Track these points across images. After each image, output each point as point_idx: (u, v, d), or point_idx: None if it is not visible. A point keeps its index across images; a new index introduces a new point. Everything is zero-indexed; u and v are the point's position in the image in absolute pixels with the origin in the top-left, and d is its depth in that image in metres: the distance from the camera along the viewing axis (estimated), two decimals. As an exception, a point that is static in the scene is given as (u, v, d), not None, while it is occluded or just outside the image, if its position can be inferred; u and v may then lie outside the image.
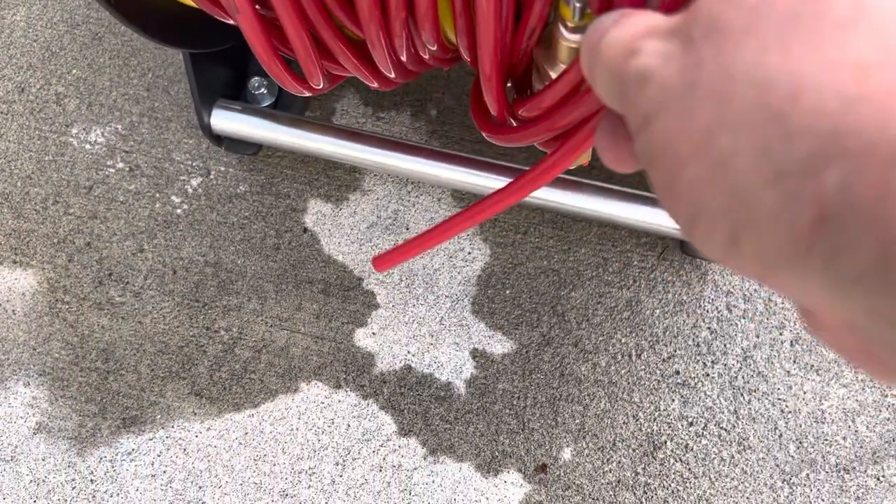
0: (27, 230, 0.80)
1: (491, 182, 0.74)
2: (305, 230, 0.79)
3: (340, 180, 0.80)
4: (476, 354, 0.75)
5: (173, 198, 0.81)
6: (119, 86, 0.85)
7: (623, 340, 0.74)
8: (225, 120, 0.75)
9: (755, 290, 0.74)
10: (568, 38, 0.44)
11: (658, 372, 0.73)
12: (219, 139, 0.78)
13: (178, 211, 0.81)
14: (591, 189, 0.72)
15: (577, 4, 0.41)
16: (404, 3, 0.47)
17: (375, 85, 0.64)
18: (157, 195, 0.81)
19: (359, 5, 0.46)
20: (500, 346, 0.75)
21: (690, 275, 0.75)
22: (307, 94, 0.58)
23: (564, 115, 0.44)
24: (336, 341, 0.75)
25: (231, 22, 0.50)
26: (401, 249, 0.57)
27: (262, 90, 0.78)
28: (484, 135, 0.54)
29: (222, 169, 0.81)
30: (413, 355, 0.75)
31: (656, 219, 0.71)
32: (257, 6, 0.48)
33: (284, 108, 0.80)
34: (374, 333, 0.76)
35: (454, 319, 0.76)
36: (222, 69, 0.76)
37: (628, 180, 0.79)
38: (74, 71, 0.86)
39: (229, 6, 0.46)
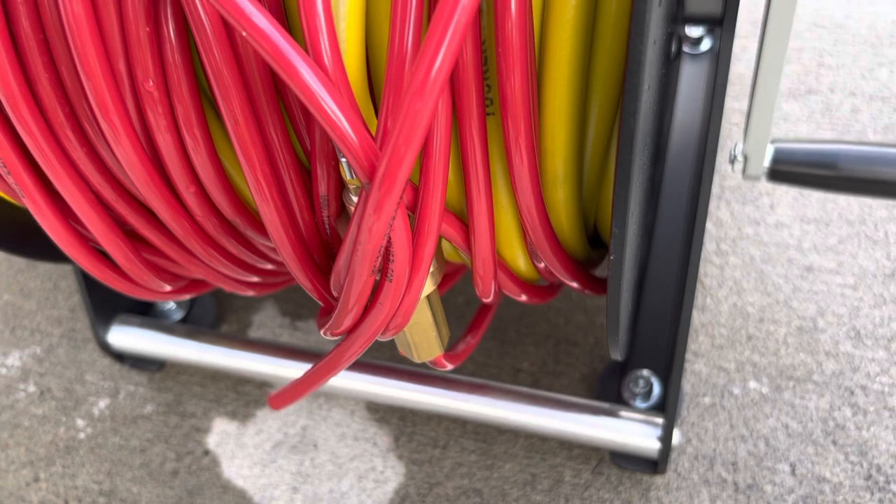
0: (-74, 461, 0.76)
1: (407, 393, 0.68)
2: (207, 452, 0.72)
3: (249, 396, 0.75)
4: None
5: (78, 421, 0.76)
6: (45, 308, 0.84)
7: (553, 574, 0.62)
8: (124, 336, 0.72)
9: (704, 507, 0.63)
10: (353, 202, 0.40)
11: None
12: (122, 356, 0.74)
13: (81, 435, 0.75)
14: (515, 396, 0.65)
15: (343, 159, 0.37)
16: (208, 206, 0.44)
17: (250, 292, 0.60)
18: (63, 419, 0.77)
19: (163, 217, 0.43)
20: (411, 584, 0.64)
21: (630, 491, 0.65)
22: (149, 298, 0.55)
23: (356, 274, 0.39)
24: (225, 582, 0.66)
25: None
26: (297, 385, 0.50)
27: (171, 304, 0.76)
28: (320, 331, 0.49)
29: (132, 388, 0.77)
30: None
31: (587, 429, 0.63)
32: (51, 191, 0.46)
33: (196, 323, 0.77)
34: (268, 571, 0.66)
35: (360, 552, 0.66)
36: (127, 284, 0.74)
37: (557, 386, 0.71)
38: (6, 296, 0.86)
39: (15, 189, 0.44)
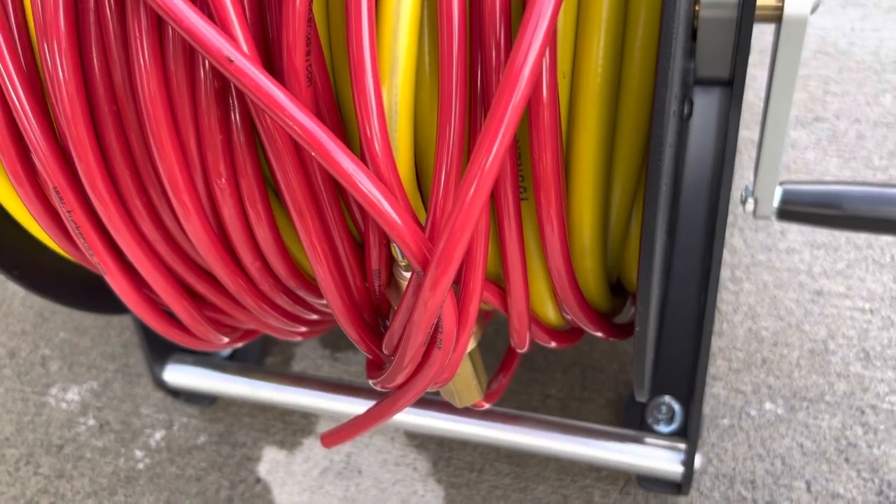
0: (-3, 493, 0.82)
1: (443, 423, 0.73)
2: (258, 480, 0.78)
3: (296, 425, 0.80)
4: None
5: (136, 452, 0.82)
6: (99, 345, 0.90)
7: (586, 590, 0.67)
8: (178, 374, 0.78)
9: (725, 524, 0.67)
10: (403, 276, 0.45)
11: None
12: (176, 392, 0.79)
13: (140, 466, 0.81)
14: (548, 426, 0.70)
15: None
16: (266, 271, 0.49)
17: (297, 339, 0.65)
18: (122, 450, 0.82)
19: (224, 283, 0.48)
20: None
21: (656, 510, 0.69)
22: (208, 349, 0.60)
23: (410, 341, 0.43)
24: None
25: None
26: (348, 427, 0.55)
27: (220, 341, 0.81)
28: (370, 382, 0.53)
29: (185, 420, 0.82)
30: None
31: (616, 455, 0.67)
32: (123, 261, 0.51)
33: (243, 356, 0.83)
34: (321, 591, 0.71)
35: (406, 572, 0.71)
36: (179, 325, 0.79)
37: (585, 410, 0.76)
38: (62, 334, 0.92)
39: (97, 266, 0.49)
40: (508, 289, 0.45)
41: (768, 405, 0.73)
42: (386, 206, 0.36)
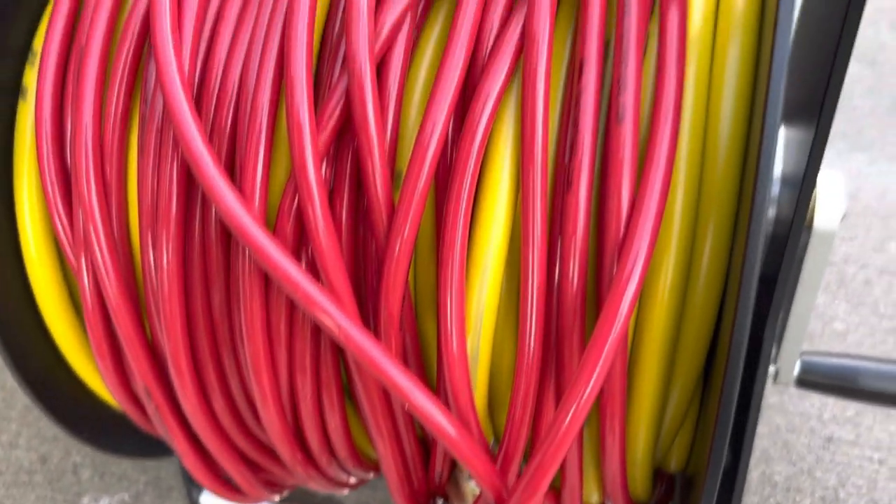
0: None
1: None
2: None
3: (324, 550, 0.83)
4: None
5: (166, 569, 0.84)
6: (130, 455, 0.92)
7: None
8: (214, 499, 0.80)
9: None
10: (470, 487, 0.48)
11: None
12: (209, 514, 0.82)
13: (170, 583, 0.83)
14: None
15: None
16: (325, 446, 0.52)
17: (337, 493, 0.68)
18: (152, 566, 0.84)
19: (285, 461, 0.52)
20: None
21: None
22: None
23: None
24: None
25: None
26: None
27: (253, 464, 0.84)
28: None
29: (215, 538, 0.85)
30: None
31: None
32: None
33: (274, 479, 0.85)
34: None
35: None
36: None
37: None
38: (93, 441, 0.94)
39: (168, 439, 0.52)
40: (563, 488, 0.48)
41: (782, 552, 0.76)
42: (469, 454, 0.40)
